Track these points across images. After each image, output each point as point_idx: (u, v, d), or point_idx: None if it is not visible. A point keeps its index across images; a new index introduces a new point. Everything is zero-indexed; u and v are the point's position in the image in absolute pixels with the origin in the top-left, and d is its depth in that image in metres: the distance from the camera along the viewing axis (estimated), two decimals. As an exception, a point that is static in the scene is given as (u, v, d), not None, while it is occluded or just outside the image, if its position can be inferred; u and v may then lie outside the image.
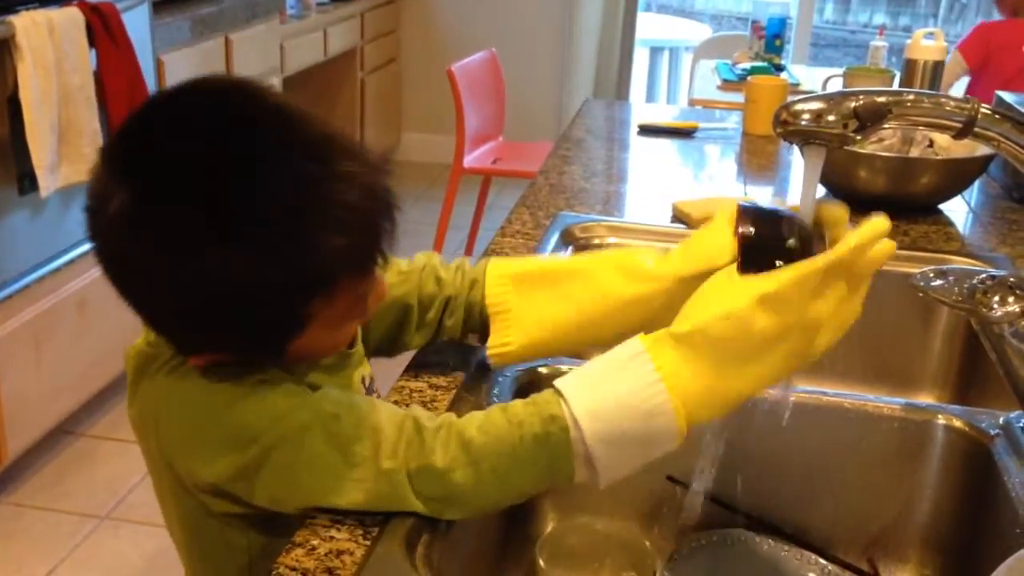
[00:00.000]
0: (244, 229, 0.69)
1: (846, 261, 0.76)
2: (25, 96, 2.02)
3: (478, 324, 0.95)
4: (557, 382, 0.76)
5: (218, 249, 0.69)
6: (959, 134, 0.85)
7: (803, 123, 0.81)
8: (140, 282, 0.73)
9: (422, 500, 0.74)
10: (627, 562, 0.99)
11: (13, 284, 2.14)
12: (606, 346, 0.91)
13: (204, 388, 0.76)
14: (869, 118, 0.80)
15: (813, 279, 0.75)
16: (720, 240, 0.84)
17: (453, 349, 1.00)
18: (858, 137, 0.81)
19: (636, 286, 0.88)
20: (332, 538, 0.74)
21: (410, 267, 0.95)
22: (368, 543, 0.74)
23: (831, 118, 0.81)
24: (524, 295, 0.91)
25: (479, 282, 0.93)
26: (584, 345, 0.95)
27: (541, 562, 0.95)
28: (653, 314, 0.87)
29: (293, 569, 0.71)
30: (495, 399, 0.96)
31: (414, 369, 0.98)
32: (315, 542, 0.74)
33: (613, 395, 0.74)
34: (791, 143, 0.82)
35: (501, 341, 0.92)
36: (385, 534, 0.75)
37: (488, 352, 0.92)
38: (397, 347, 0.97)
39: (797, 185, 1.67)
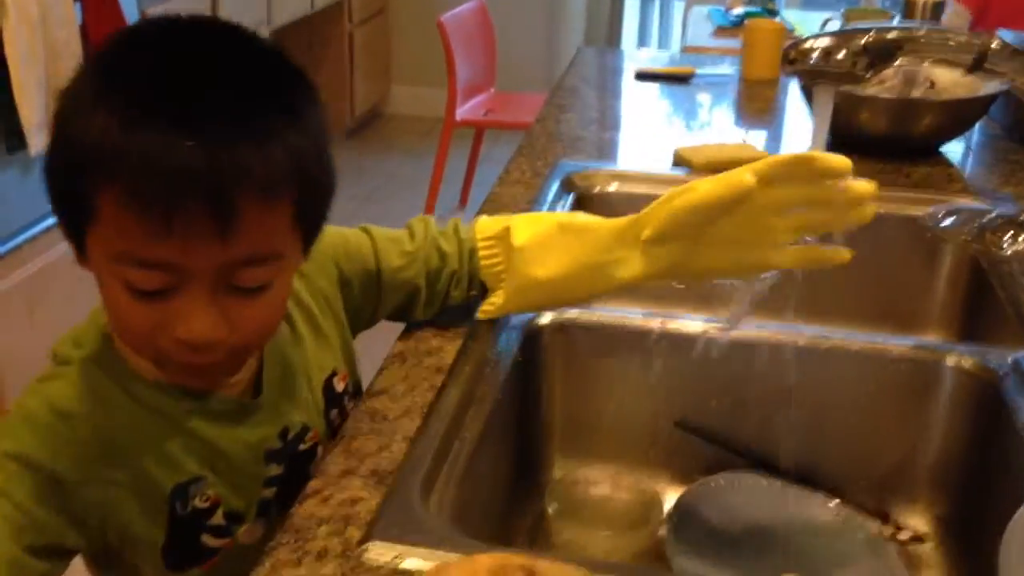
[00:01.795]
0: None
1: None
2: (11, 53, 1.98)
3: (480, 288, 0.95)
4: None
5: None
6: (970, 69, 0.84)
7: (812, 61, 0.80)
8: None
9: None
10: (635, 507, 0.99)
11: (4, 245, 2.12)
12: (601, 298, 0.92)
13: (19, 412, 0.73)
14: (879, 55, 0.79)
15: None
16: None
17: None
18: (867, 75, 0.80)
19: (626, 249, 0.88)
20: (346, 487, 0.74)
21: (413, 247, 0.93)
22: (382, 491, 0.73)
23: (840, 55, 0.80)
24: (514, 254, 0.91)
25: (476, 250, 0.93)
26: (577, 300, 0.96)
27: (550, 510, 0.95)
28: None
29: (308, 518, 0.71)
30: (501, 348, 0.96)
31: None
32: (329, 491, 0.73)
33: None
34: (800, 81, 0.81)
35: (491, 300, 0.94)
36: (399, 482, 0.74)
37: (478, 312, 0.94)
38: (405, 320, 0.97)
39: (794, 129, 1.66)
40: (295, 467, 0.82)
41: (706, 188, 0.83)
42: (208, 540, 0.79)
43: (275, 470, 0.81)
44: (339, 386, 0.88)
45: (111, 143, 0.63)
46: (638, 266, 0.87)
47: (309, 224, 0.72)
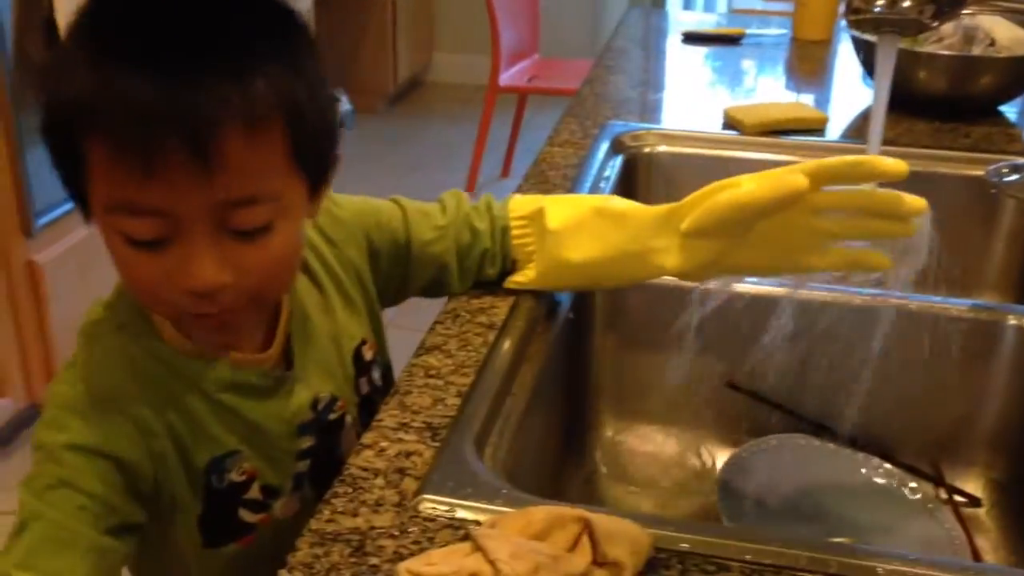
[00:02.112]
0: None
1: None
2: (61, 18, 2.00)
3: (513, 266, 0.94)
4: None
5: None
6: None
7: (876, 9, 0.77)
8: None
9: None
10: (685, 470, 0.99)
11: (56, 209, 2.15)
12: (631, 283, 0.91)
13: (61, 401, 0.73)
14: (947, 2, 0.76)
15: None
16: None
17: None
18: (934, 24, 0.78)
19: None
20: (401, 440, 0.74)
21: (445, 220, 0.91)
22: (437, 445, 0.73)
23: (906, 3, 0.77)
24: (547, 235, 0.89)
25: (508, 229, 0.91)
26: (612, 285, 0.94)
27: (603, 468, 0.95)
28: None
29: (364, 469, 0.71)
30: (553, 306, 0.95)
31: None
32: (384, 444, 0.74)
33: None
34: (862, 33, 0.79)
35: (522, 273, 0.92)
36: (453, 436, 0.74)
37: (506, 282, 0.93)
38: (438, 295, 0.95)
39: (847, 91, 1.62)
40: (325, 438, 0.83)
41: (752, 188, 0.78)
42: (245, 515, 0.79)
43: (308, 442, 0.81)
44: (368, 355, 0.88)
45: (89, 91, 0.62)
46: (676, 258, 0.83)
47: (310, 168, 0.70)
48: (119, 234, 0.66)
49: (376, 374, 0.89)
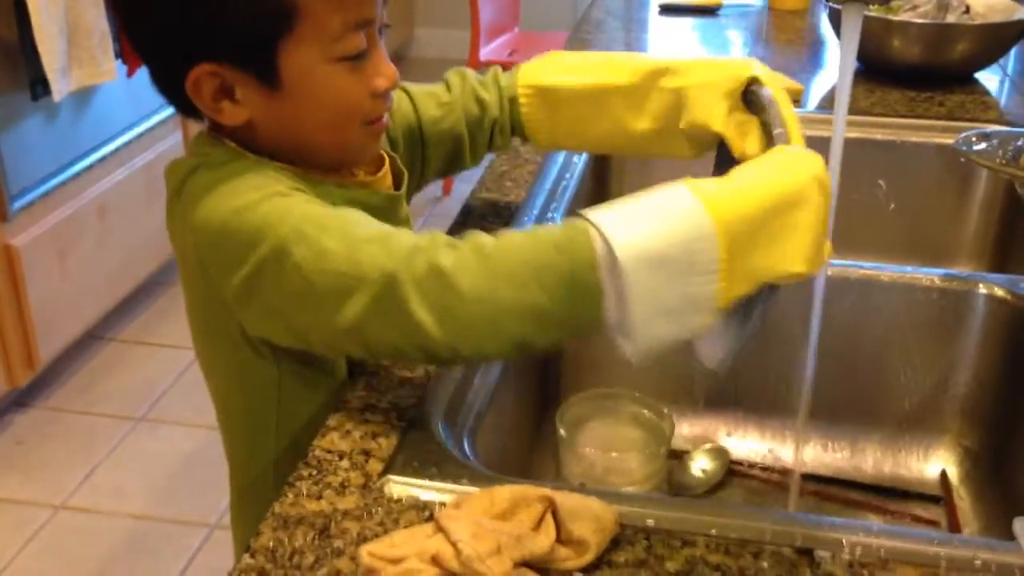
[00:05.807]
0: None
1: None
2: (31, -2, 1.97)
3: (523, 134, 0.97)
4: (585, 210, 0.68)
5: None
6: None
7: (841, -20, 0.76)
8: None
9: (425, 308, 0.66)
10: (644, 428, 0.97)
11: (32, 192, 2.13)
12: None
13: (238, 187, 0.74)
14: (912, -29, 0.75)
15: None
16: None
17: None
18: (899, -7, 0.77)
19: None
20: (367, 421, 0.74)
21: (451, 96, 0.95)
22: (403, 425, 0.73)
23: (871, -27, 0.76)
24: (553, 109, 0.93)
25: (516, 99, 0.94)
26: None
27: (562, 431, 0.93)
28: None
29: (329, 451, 0.71)
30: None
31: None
32: (349, 426, 0.73)
33: (646, 220, 0.64)
34: (828, 2, 0.78)
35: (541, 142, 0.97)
36: (420, 416, 0.74)
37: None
38: (456, 172, 1.01)
39: (824, 61, 1.62)
40: None
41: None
42: None
43: None
44: None
45: None
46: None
47: None
48: (336, 64, 0.75)
49: None
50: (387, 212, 0.83)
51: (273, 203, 0.72)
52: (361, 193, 0.82)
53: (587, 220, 0.65)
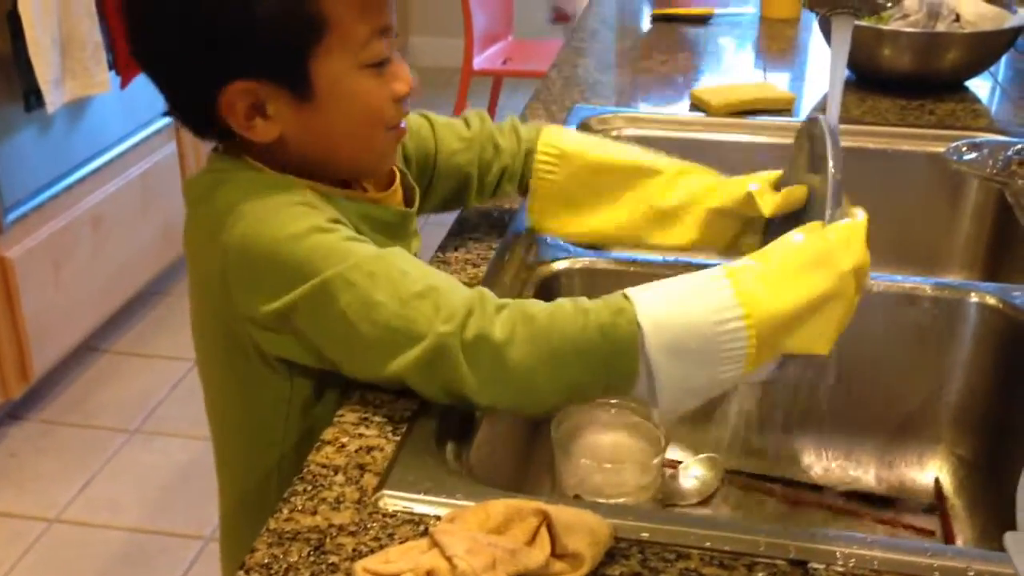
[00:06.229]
0: None
1: None
2: (24, 10, 1.97)
3: (525, 191, 0.98)
4: (628, 289, 0.72)
5: None
6: (995, -2, 0.81)
7: (832, -10, 0.77)
8: (166, 22, 0.76)
9: (472, 373, 0.70)
10: (638, 443, 0.98)
11: (27, 203, 2.13)
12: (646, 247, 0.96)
13: (278, 212, 0.75)
14: (902, -18, 0.76)
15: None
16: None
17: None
18: (889, 4, 0.78)
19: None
20: (362, 435, 0.74)
21: (470, 133, 0.96)
22: (398, 439, 0.73)
23: (861, -16, 0.77)
24: (572, 176, 0.94)
25: (533, 152, 0.95)
26: (620, 244, 0.99)
27: (557, 442, 0.93)
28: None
29: (324, 466, 0.71)
30: (517, 294, 0.95)
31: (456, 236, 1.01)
32: (344, 440, 0.73)
33: (684, 310, 0.70)
34: (818, 13, 0.78)
35: (535, 208, 0.97)
36: (415, 430, 0.74)
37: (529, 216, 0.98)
38: (455, 208, 1.02)
39: (816, 69, 1.62)
40: None
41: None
42: None
43: None
44: None
45: None
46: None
47: None
48: (364, 70, 0.77)
49: None
50: (398, 228, 0.86)
51: (316, 240, 0.73)
52: (374, 209, 0.84)
53: (632, 303, 0.70)
